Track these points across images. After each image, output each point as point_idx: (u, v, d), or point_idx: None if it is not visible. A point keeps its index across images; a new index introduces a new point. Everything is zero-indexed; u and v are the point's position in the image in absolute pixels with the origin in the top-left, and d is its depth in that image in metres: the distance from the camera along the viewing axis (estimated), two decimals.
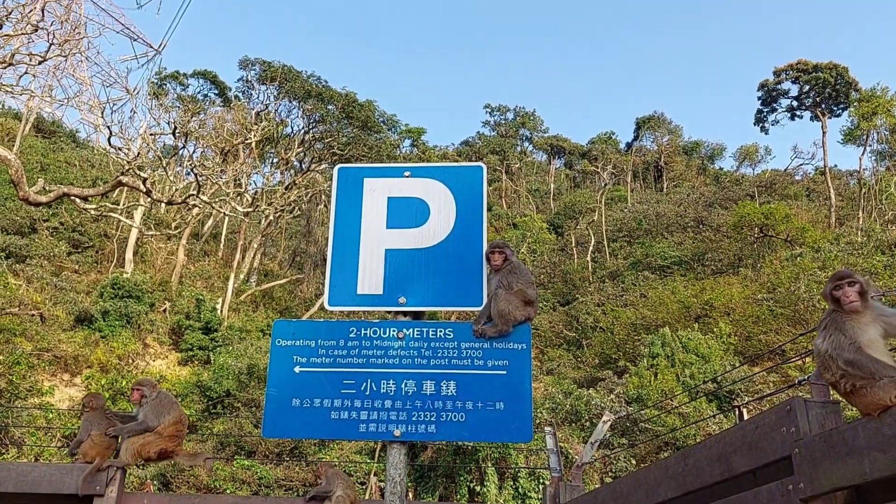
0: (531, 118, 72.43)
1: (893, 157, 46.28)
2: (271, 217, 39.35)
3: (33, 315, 23.92)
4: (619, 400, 22.72)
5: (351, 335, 3.55)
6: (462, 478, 19.88)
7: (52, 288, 30.53)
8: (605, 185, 58.65)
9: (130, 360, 27.35)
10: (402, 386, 3.45)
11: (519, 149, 71.58)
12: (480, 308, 3.58)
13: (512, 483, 19.73)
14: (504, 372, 3.46)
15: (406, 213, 3.74)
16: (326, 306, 3.60)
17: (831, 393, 3.12)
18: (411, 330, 3.56)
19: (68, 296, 30.43)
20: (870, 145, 44.53)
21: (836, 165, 57.18)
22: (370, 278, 3.62)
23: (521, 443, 3.64)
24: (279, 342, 3.55)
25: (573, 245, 49.01)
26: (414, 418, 3.39)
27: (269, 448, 21.98)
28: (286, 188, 39.72)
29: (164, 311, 33.12)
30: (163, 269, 38.46)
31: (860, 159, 44.82)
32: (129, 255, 36.07)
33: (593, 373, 29.96)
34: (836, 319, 2.67)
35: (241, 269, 39.61)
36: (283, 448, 22.22)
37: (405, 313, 3.61)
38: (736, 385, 20.48)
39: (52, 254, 33.69)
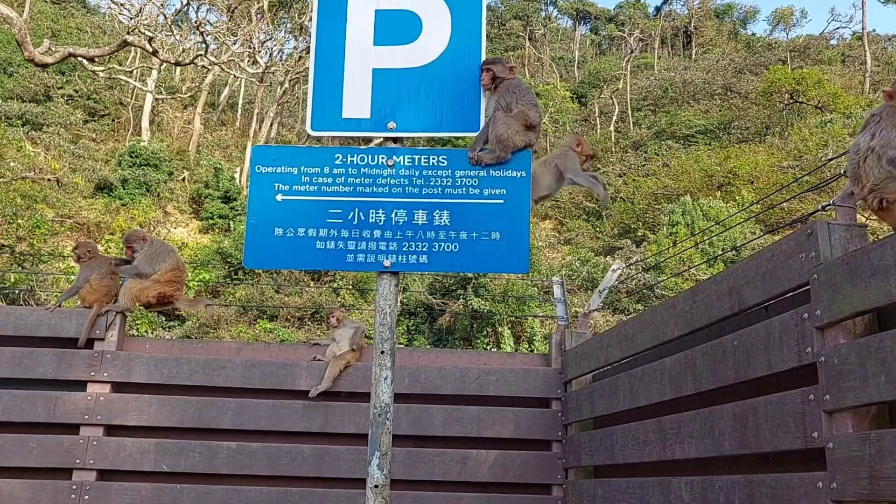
0: None
1: None
2: (286, 85, 38.46)
3: (49, 179, 23.98)
4: (637, 267, 22.71)
5: (336, 162, 3.29)
6: (479, 341, 20.27)
7: (70, 156, 30.52)
8: (632, 51, 56.36)
9: (152, 228, 27.61)
10: (392, 215, 3.22)
11: (543, 13, 68.65)
12: (477, 133, 3.29)
13: (528, 346, 20.10)
14: (501, 201, 3.21)
15: (395, 27, 3.37)
16: (309, 130, 3.32)
17: (858, 218, 2.86)
18: (402, 157, 3.29)
19: (87, 164, 30.45)
20: None
21: (874, 30, 54.29)
22: (356, 101, 3.32)
23: (517, 273, 3.44)
24: (259, 168, 3.30)
25: (596, 115, 47.79)
26: (404, 248, 3.18)
27: (290, 312, 22.45)
28: (301, 55, 38.55)
29: (183, 179, 33.15)
30: (180, 137, 38.21)
31: None
32: (145, 123, 35.74)
33: (611, 242, 29.93)
34: (890, 115, 2.34)
35: (258, 138, 39.24)
36: (304, 312, 22.68)
37: (395, 139, 3.33)
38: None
39: (68, 122, 33.48)
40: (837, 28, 52.44)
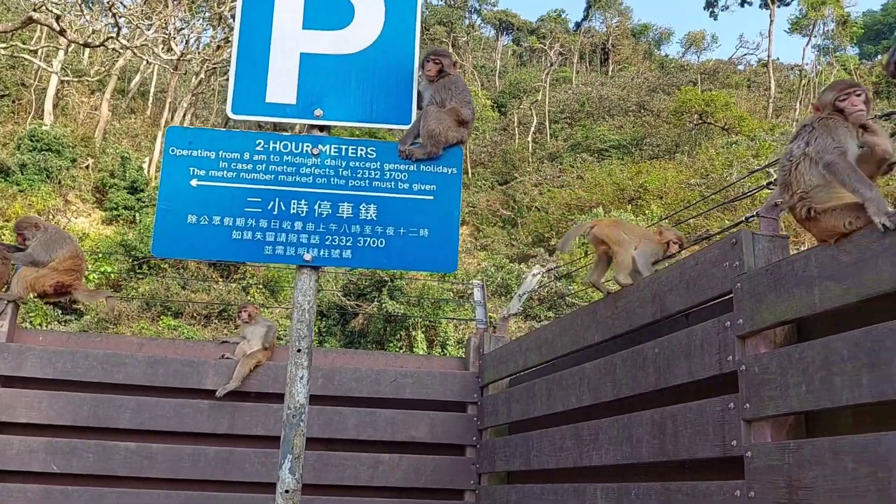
0: None
1: (835, 51, 46.50)
2: (202, 75, 37.29)
3: None
4: (549, 275, 23.05)
5: (258, 148, 3.12)
6: (392, 344, 20.11)
7: None
8: (552, 64, 57.48)
9: (51, 216, 26.15)
10: (316, 207, 3.08)
11: (467, 21, 69.14)
12: (408, 126, 3.19)
13: (441, 350, 20.08)
14: (431, 197, 3.12)
15: (326, 12, 3.23)
16: (229, 114, 3.13)
17: (781, 229, 2.91)
18: (328, 146, 3.15)
19: None
20: (814, 37, 44.54)
21: (778, 58, 57.20)
22: (282, 85, 3.16)
23: (445, 272, 3.35)
24: (173, 151, 3.09)
25: (515, 125, 48.40)
26: (327, 242, 3.04)
27: (196, 310, 21.70)
28: (218, 45, 37.45)
29: (87, 167, 31.60)
30: (85, 123, 36.42)
31: (804, 50, 45.04)
32: (48, 106, 33.88)
33: (525, 250, 30.35)
34: (829, 124, 2.37)
35: None
36: (211, 310, 21.97)
37: (321, 127, 3.19)
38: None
39: None
40: (745, 54, 55.32)
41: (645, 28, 68.10)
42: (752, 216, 3.10)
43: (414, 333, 19.99)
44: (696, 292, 2.98)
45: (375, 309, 20.11)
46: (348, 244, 3.05)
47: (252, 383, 4.92)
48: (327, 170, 3.11)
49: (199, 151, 3.08)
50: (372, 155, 3.15)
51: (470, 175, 40.50)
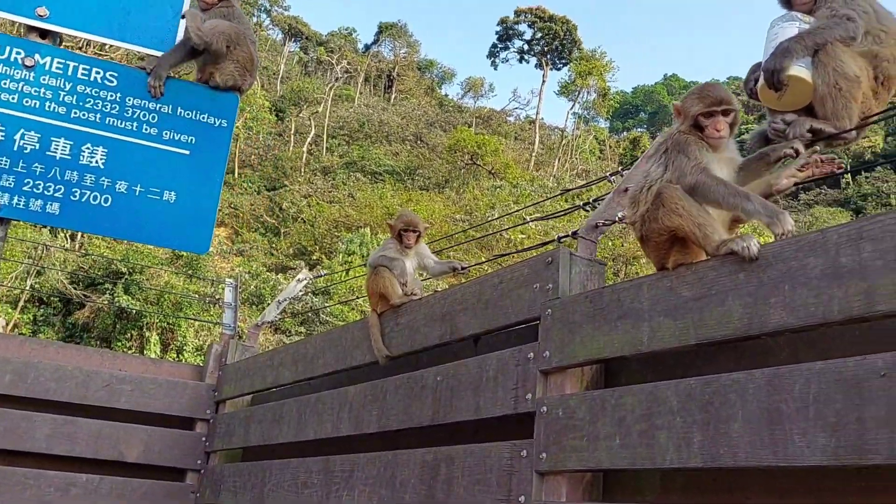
0: None
1: (592, 120, 51.27)
2: None
3: None
4: (307, 290, 22.26)
5: None
6: (120, 344, 18.04)
7: None
8: (337, 79, 57.11)
9: None
10: (17, 137, 2.20)
11: (256, 19, 66.68)
12: (169, 51, 2.42)
13: (176, 356, 18.37)
14: (187, 152, 2.38)
15: None
16: None
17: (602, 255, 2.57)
18: (48, 59, 2.29)
19: None
20: (579, 102, 48.76)
21: (543, 118, 61.96)
22: None
23: (192, 252, 2.57)
24: None
25: (292, 132, 47.15)
26: (28, 187, 2.18)
27: None
28: None
29: None
30: None
31: (568, 113, 49.01)
32: None
33: (286, 261, 29.30)
34: (681, 141, 2.04)
35: None
36: None
37: (43, 32, 2.32)
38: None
39: None
40: (516, 108, 59.05)
41: (430, 64, 70.48)
42: (566, 236, 2.75)
43: (148, 334, 18.12)
44: (496, 315, 2.54)
45: (106, 302, 17.94)
46: (57, 195, 2.21)
47: None
48: (42, 90, 2.25)
49: None
50: (111, 81, 2.34)
51: (236, 176, 38.59)
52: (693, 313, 1.86)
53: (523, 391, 2.30)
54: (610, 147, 50.75)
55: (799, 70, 2.14)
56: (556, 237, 2.82)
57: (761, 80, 2.22)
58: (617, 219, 2.44)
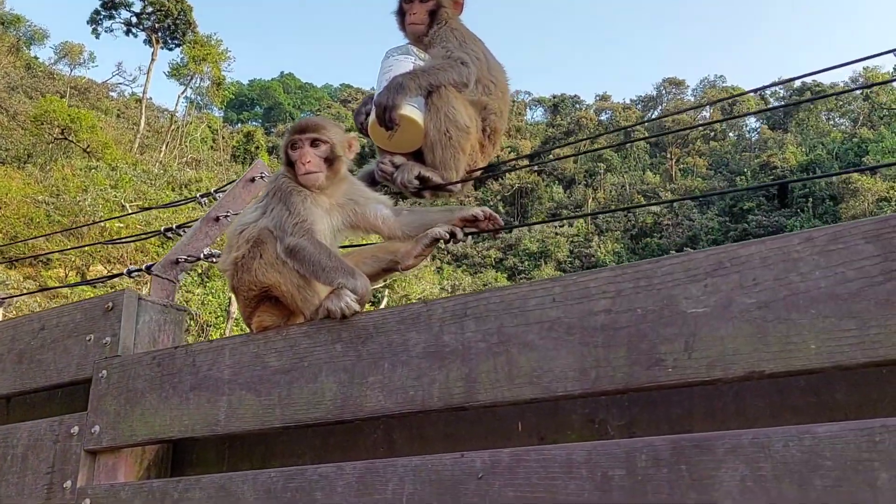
0: None
1: (205, 107, 49.37)
2: None
3: None
4: None
5: None
6: None
7: None
8: None
9: None
10: None
11: None
12: None
13: None
14: None
15: None
16: None
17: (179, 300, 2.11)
18: None
19: None
20: (191, 87, 46.45)
21: (151, 98, 57.79)
22: None
23: None
24: None
25: None
26: None
27: None
28: None
29: None
30: None
31: (179, 96, 46.45)
32: None
33: None
34: (284, 188, 1.72)
35: None
36: None
37: None
38: None
39: None
40: (121, 83, 53.99)
41: (17, 19, 60.85)
42: (139, 270, 2.22)
43: None
44: (33, 372, 1.94)
45: None
46: None
47: None
48: None
49: None
50: None
51: None
52: (280, 388, 1.55)
53: (61, 477, 1.76)
54: (223, 138, 49.31)
55: (412, 111, 1.98)
56: (161, 229, 2.31)
57: (372, 115, 2.02)
58: (202, 255, 2.04)
